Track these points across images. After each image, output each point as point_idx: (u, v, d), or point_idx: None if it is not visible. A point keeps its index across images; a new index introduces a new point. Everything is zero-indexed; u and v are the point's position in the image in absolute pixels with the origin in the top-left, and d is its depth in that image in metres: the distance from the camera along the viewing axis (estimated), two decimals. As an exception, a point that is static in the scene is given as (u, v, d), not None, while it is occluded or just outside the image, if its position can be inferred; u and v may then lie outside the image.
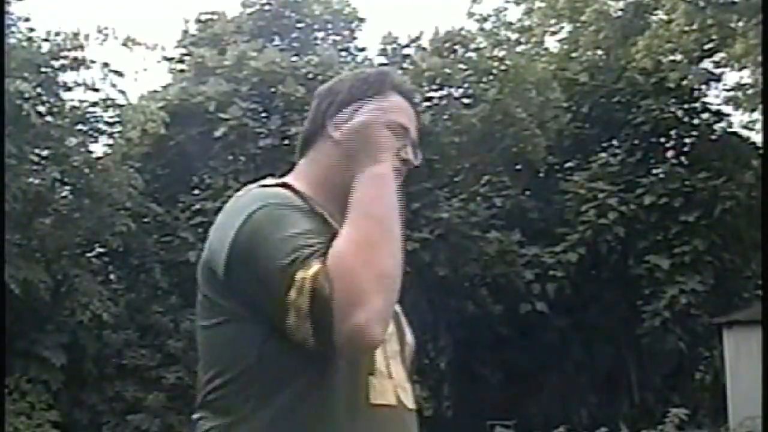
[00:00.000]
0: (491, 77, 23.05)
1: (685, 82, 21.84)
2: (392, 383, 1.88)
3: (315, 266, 1.70)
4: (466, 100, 23.30)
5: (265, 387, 1.77)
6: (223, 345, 1.84)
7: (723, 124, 24.30)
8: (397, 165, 1.97)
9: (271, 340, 1.77)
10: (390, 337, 1.91)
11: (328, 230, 1.81)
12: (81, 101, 19.11)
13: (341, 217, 1.93)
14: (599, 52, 25.11)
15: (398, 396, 1.89)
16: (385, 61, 24.12)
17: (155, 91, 22.67)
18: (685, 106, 23.72)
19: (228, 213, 1.88)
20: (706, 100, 24.35)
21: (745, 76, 22.05)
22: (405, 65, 23.41)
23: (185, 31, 26.24)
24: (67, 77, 18.56)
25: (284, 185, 1.94)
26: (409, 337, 2.03)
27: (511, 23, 27.38)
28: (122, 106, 19.41)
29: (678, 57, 21.48)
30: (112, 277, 21.47)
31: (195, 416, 1.88)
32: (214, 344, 1.86)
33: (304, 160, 2.04)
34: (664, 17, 21.47)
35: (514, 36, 27.25)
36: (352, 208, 1.79)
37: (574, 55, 25.53)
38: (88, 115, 19.33)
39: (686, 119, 23.90)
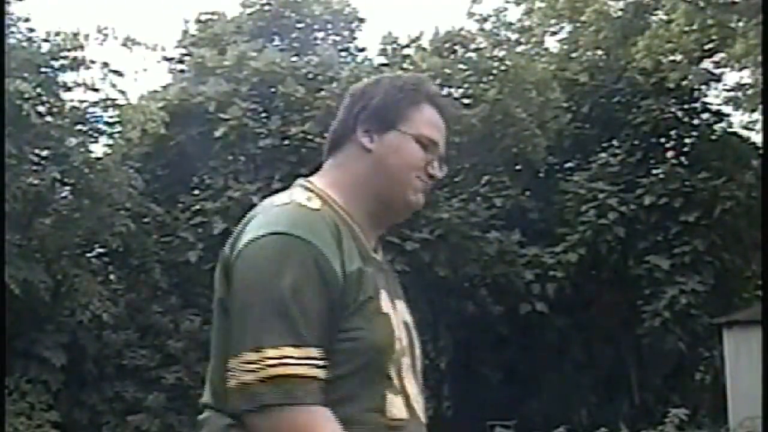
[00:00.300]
0: (491, 77, 23.03)
1: (685, 82, 21.84)
2: (405, 397, 1.87)
3: (286, 371, 1.70)
4: (466, 100, 23.27)
5: None
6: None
7: (723, 124, 24.31)
8: (424, 178, 1.97)
9: None
10: (404, 351, 1.90)
11: (334, 289, 1.77)
12: (81, 101, 19.13)
13: (370, 228, 1.95)
14: (599, 52, 25.09)
15: (414, 411, 1.89)
16: (385, 61, 24.11)
17: (155, 91, 22.68)
18: (685, 106, 23.71)
19: (253, 219, 1.86)
20: (706, 100, 24.35)
21: (745, 76, 22.07)
22: (405, 65, 23.38)
23: (185, 31, 26.23)
24: (67, 77, 18.59)
25: (320, 198, 1.91)
26: (419, 350, 2.01)
27: (511, 23, 27.36)
28: (122, 105, 19.42)
29: (678, 57, 21.46)
30: (112, 277, 21.46)
31: (201, 416, 1.89)
32: (222, 347, 1.85)
33: (332, 161, 2.00)
34: (664, 17, 21.48)
35: (514, 36, 27.23)
36: None
37: (574, 55, 25.51)
38: (88, 115, 19.33)
39: (686, 119, 23.89)
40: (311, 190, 1.93)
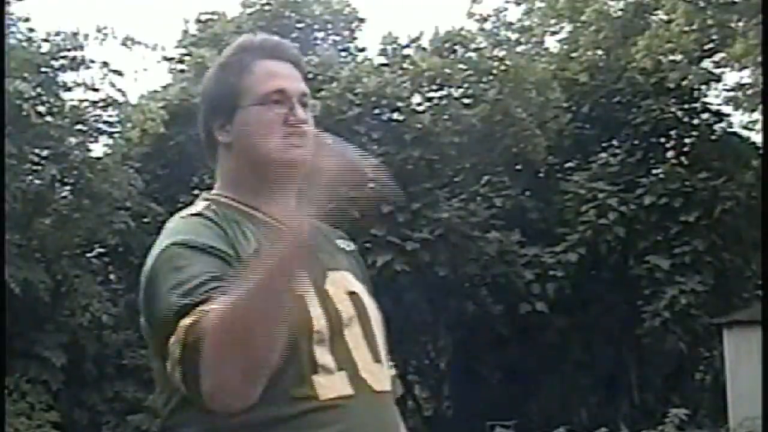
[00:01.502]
0: (491, 77, 23.03)
1: (685, 82, 21.81)
2: (346, 374, 1.81)
3: (193, 317, 1.67)
4: (466, 100, 23.28)
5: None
6: (158, 374, 1.85)
7: (723, 124, 24.29)
8: (288, 132, 1.91)
9: None
10: (350, 322, 1.87)
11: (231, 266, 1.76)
12: (81, 101, 19.11)
13: (286, 198, 1.89)
14: (599, 52, 25.09)
15: (364, 382, 1.83)
16: (385, 61, 24.11)
17: (155, 91, 22.68)
18: (685, 106, 23.70)
19: (154, 245, 1.88)
20: (706, 100, 24.33)
21: (745, 76, 22.03)
22: (405, 65, 23.40)
23: (185, 31, 26.24)
24: (67, 77, 18.56)
25: (210, 201, 1.95)
26: (375, 314, 1.96)
27: (511, 23, 27.38)
28: (121, 104, 19.41)
29: (678, 57, 21.46)
30: (112, 277, 21.47)
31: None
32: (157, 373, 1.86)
33: (218, 169, 2.03)
34: (664, 17, 21.46)
35: (514, 36, 27.25)
36: (255, 266, 1.64)
37: (574, 55, 25.50)
38: (88, 115, 19.32)
39: (686, 119, 23.88)
40: (203, 200, 1.98)
